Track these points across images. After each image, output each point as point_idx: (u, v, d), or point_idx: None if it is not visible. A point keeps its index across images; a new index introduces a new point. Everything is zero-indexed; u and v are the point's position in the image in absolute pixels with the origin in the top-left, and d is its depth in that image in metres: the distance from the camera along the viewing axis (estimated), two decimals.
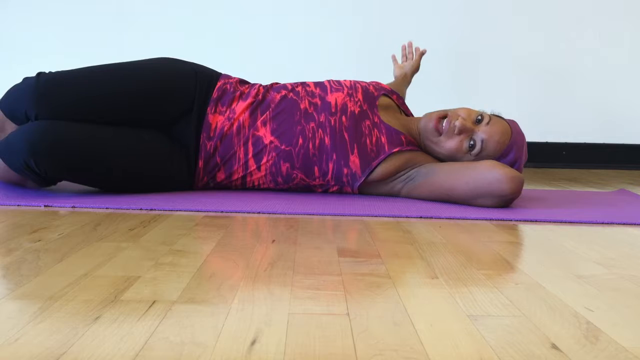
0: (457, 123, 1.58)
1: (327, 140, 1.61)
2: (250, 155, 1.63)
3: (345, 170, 1.62)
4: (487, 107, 1.87)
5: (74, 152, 1.48)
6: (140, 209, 1.38)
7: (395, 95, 1.79)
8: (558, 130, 3.05)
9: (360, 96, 1.68)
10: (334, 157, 1.61)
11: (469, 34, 3.01)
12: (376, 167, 1.61)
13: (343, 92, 1.68)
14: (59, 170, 1.49)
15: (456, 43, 3.00)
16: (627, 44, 3.03)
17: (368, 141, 1.62)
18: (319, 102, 1.66)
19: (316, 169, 1.63)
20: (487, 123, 1.59)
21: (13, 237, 1.07)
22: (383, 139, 1.63)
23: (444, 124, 1.61)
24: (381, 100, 1.72)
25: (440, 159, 1.65)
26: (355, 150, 1.60)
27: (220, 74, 1.74)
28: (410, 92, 2.17)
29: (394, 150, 1.62)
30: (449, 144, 1.60)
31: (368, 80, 1.80)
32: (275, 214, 1.39)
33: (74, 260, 0.92)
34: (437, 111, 1.65)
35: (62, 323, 0.66)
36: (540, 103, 3.03)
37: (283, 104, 1.66)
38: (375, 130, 1.63)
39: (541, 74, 3.04)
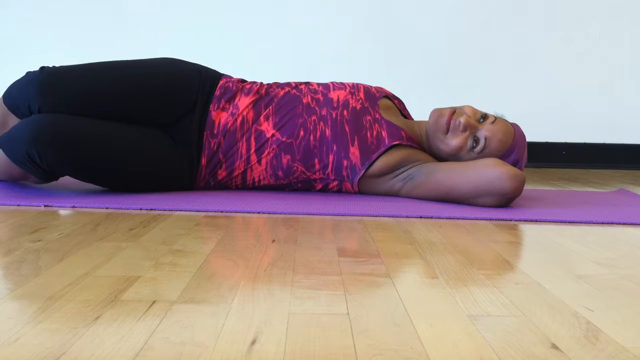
0: (462, 119, 1.58)
1: (327, 132, 1.62)
2: (252, 150, 1.64)
3: (345, 162, 1.62)
4: (486, 106, 1.87)
5: (76, 144, 1.48)
6: (140, 209, 1.38)
7: (397, 100, 1.80)
8: (558, 130, 3.05)
9: (362, 95, 1.70)
10: (334, 148, 1.62)
11: (469, 33, 3.01)
12: (376, 159, 1.62)
13: (345, 90, 1.70)
14: (61, 162, 1.48)
15: (456, 42, 3.00)
16: (627, 44, 3.03)
17: (368, 134, 1.63)
18: (321, 98, 1.67)
19: (317, 160, 1.64)
20: (492, 122, 1.59)
21: (13, 237, 1.07)
22: (384, 133, 1.63)
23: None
24: (382, 101, 1.74)
25: (443, 157, 1.65)
26: (356, 142, 1.61)
27: (222, 74, 1.75)
28: (409, 91, 2.17)
29: (394, 142, 1.62)
30: (454, 142, 1.60)
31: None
32: (275, 214, 1.39)
33: (74, 260, 0.92)
34: (445, 108, 1.65)
35: (62, 323, 0.66)
36: (540, 103, 3.03)
37: (286, 98, 1.67)
38: (376, 124, 1.65)
39: (541, 73, 3.04)
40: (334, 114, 1.64)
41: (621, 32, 3.03)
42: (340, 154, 1.62)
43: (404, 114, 1.81)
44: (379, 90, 1.76)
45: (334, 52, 2.97)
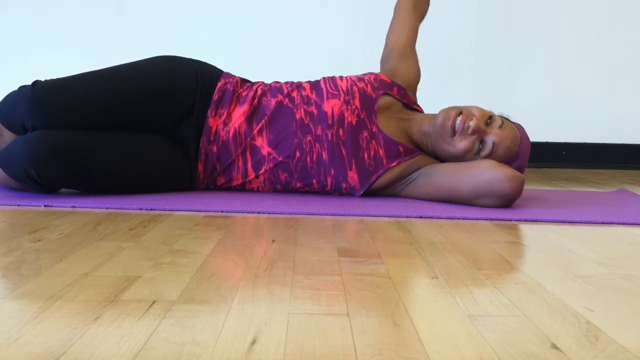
0: (472, 123, 1.54)
1: (324, 155, 1.60)
2: (249, 165, 1.63)
3: (344, 185, 1.62)
4: (486, 106, 1.87)
5: (75, 161, 1.48)
6: (140, 209, 1.38)
7: (395, 88, 1.71)
8: (558, 130, 3.04)
9: (357, 102, 1.63)
10: (332, 172, 1.61)
11: (469, 33, 3.01)
12: (375, 180, 1.61)
13: (340, 99, 1.63)
14: (61, 178, 1.50)
15: (456, 42, 3.00)
16: (627, 44, 3.03)
17: (366, 155, 1.60)
18: (315, 112, 1.62)
19: (315, 181, 1.63)
20: (500, 126, 1.56)
21: (13, 237, 1.07)
22: (381, 152, 1.60)
23: (457, 122, 1.56)
24: (380, 102, 1.66)
25: (445, 157, 1.62)
26: (354, 166, 1.59)
27: (222, 72, 1.72)
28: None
29: (393, 164, 1.61)
30: (461, 144, 1.56)
31: (366, 74, 1.73)
32: (275, 214, 1.39)
33: (74, 260, 0.92)
34: (452, 108, 1.60)
35: (62, 323, 0.66)
36: (541, 103, 3.03)
37: (278, 112, 1.63)
38: (374, 142, 1.61)
39: (541, 73, 3.03)
40: (329, 135, 1.60)
41: (621, 32, 3.03)
42: (339, 178, 1.61)
43: (405, 101, 1.72)
44: (376, 86, 1.67)
45: (333, 51, 2.97)
